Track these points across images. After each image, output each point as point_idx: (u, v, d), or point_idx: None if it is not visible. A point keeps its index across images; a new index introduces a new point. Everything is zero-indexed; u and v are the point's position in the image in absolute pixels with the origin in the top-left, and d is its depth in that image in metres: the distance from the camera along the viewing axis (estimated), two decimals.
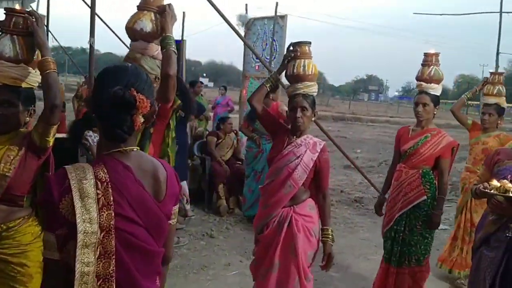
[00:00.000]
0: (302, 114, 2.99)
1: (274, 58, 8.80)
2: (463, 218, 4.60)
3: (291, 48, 3.07)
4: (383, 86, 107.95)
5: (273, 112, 5.98)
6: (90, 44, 6.57)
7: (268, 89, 3.12)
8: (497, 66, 14.08)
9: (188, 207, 6.11)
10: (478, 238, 3.08)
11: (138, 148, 1.61)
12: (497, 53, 12.46)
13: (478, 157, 4.53)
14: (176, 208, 1.72)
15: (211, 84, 60.18)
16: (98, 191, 1.45)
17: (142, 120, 1.52)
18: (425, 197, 3.71)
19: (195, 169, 6.95)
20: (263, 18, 9.16)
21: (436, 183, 3.79)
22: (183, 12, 9.96)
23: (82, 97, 10.42)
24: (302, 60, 3.05)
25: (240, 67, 9.38)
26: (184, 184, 6.00)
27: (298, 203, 3.05)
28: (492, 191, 2.74)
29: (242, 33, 9.05)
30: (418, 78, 3.94)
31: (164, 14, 2.64)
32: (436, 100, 3.82)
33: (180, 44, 9.86)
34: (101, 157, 1.55)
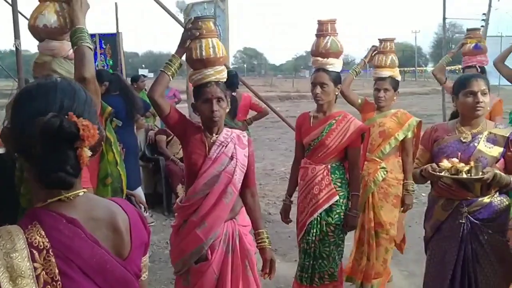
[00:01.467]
0: (219, 105, 2.47)
1: None
2: (366, 218, 3.73)
3: (192, 24, 2.47)
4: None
5: (246, 105, 5.48)
6: (16, 47, 5.90)
7: (171, 78, 2.46)
8: (444, 33, 13.98)
9: (146, 214, 5.64)
10: (430, 228, 2.83)
11: (85, 189, 1.19)
12: (444, 18, 12.03)
13: (375, 142, 3.74)
14: (146, 259, 1.32)
15: (151, 75, 58.44)
16: (35, 265, 1.03)
17: (89, 153, 1.10)
18: (337, 197, 3.16)
19: (148, 172, 6.47)
20: (202, 2, 8.66)
21: (348, 178, 3.26)
22: (115, 3, 9.26)
23: None
24: (210, 39, 2.48)
25: None
26: (139, 190, 5.54)
27: (237, 213, 2.63)
28: (443, 173, 2.47)
29: (182, 20, 8.55)
30: (313, 53, 3.30)
31: (71, 3, 2.16)
32: (336, 78, 3.21)
33: (115, 37, 9.25)
34: (34, 212, 1.11)
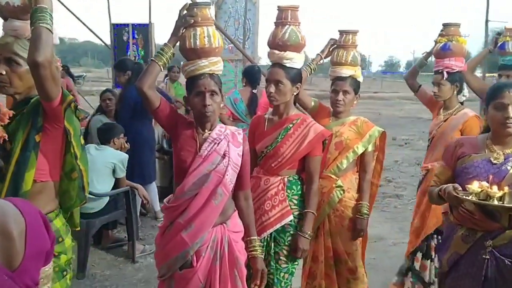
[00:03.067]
0: (212, 100, 2.26)
1: (248, 38, 8.16)
2: (319, 247, 3.08)
3: (186, 11, 2.27)
4: (365, 62, 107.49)
5: (267, 102, 4.99)
6: None
7: (162, 68, 2.28)
8: (486, 36, 13.24)
9: (158, 208, 5.54)
10: (446, 261, 2.36)
11: None
12: (486, 21, 11.42)
13: (331, 155, 3.06)
14: (48, 268, 1.14)
15: None
16: None
17: None
18: (291, 216, 2.70)
19: (165, 164, 6.36)
20: None
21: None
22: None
23: None
24: (205, 28, 2.26)
25: None
26: (153, 186, 5.44)
27: (228, 217, 2.38)
28: (471, 197, 2.03)
29: (213, 13, 8.42)
30: (269, 44, 2.79)
31: None
32: (295, 76, 2.72)
33: (147, 27, 9.21)
34: None
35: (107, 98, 5.30)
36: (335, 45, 3.23)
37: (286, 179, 2.76)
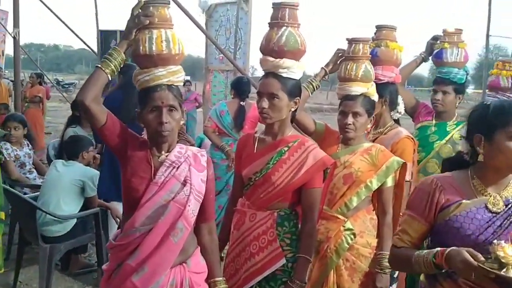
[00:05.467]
0: (170, 116, 1.91)
1: (239, 48, 7.83)
2: None
3: (140, 10, 1.92)
4: None
5: (255, 116, 4.61)
6: (13, 37, 5.53)
7: (109, 77, 1.92)
8: (487, 51, 12.89)
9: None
10: None
11: None
12: (487, 36, 11.10)
13: (338, 191, 2.55)
14: None
15: (188, 78, 58.22)
16: None
17: None
18: (283, 260, 2.24)
19: None
20: (225, 3, 8.16)
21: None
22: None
23: (25, 98, 9.38)
24: (163, 30, 1.92)
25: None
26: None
27: (189, 255, 2.01)
28: (494, 268, 1.49)
29: (204, 21, 8.09)
30: (262, 49, 2.32)
31: None
32: (293, 88, 2.26)
33: None
34: None
35: None
36: (343, 57, 2.68)
37: (276, 214, 2.27)
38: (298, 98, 2.31)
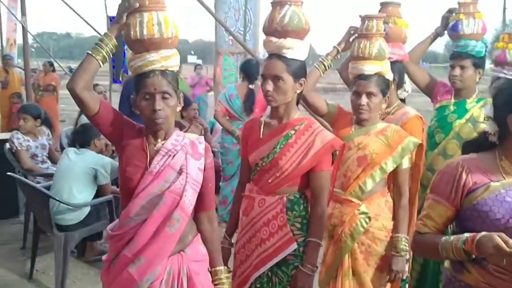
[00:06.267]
0: (165, 103, 1.85)
1: (249, 30, 7.73)
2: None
3: None
4: None
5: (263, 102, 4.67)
6: (22, 24, 5.51)
7: (101, 63, 1.87)
8: (504, 24, 12.52)
9: None
10: None
11: None
12: (504, 9, 10.78)
13: (352, 173, 2.49)
14: None
15: (199, 62, 57.84)
16: None
17: None
18: (295, 244, 2.19)
19: None
20: None
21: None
22: None
23: (39, 87, 9.41)
24: (154, 13, 1.83)
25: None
26: None
27: (187, 243, 1.96)
28: None
29: (213, 4, 7.99)
30: (265, 30, 2.24)
31: None
32: (298, 69, 2.18)
33: None
34: None
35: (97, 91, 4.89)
36: (356, 34, 2.58)
37: (285, 199, 2.22)
38: (304, 79, 2.22)
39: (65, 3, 9.42)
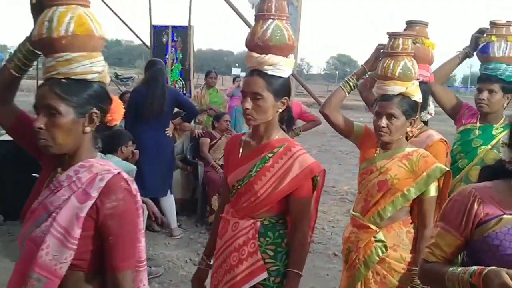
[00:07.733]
0: (50, 121, 1.50)
1: None
2: None
3: None
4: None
5: (295, 113, 4.14)
6: None
7: (15, 72, 1.61)
8: None
9: (174, 225, 5.14)
10: None
11: None
12: None
13: (371, 198, 2.39)
14: None
15: (243, 74, 57.82)
16: None
17: None
18: (265, 274, 2.03)
19: (188, 176, 5.96)
20: None
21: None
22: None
23: None
24: (53, 8, 1.49)
25: None
26: (169, 199, 5.06)
27: None
28: None
29: (253, 17, 8.01)
30: (247, 44, 2.07)
31: None
32: (279, 87, 2.02)
33: (186, 30, 8.92)
34: None
35: (125, 99, 4.94)
36: (383, 53, 2.45)
37: (259, 223, 2.06)
38: (286, 98, 2.07)
39: (113, 11, 9.72)
